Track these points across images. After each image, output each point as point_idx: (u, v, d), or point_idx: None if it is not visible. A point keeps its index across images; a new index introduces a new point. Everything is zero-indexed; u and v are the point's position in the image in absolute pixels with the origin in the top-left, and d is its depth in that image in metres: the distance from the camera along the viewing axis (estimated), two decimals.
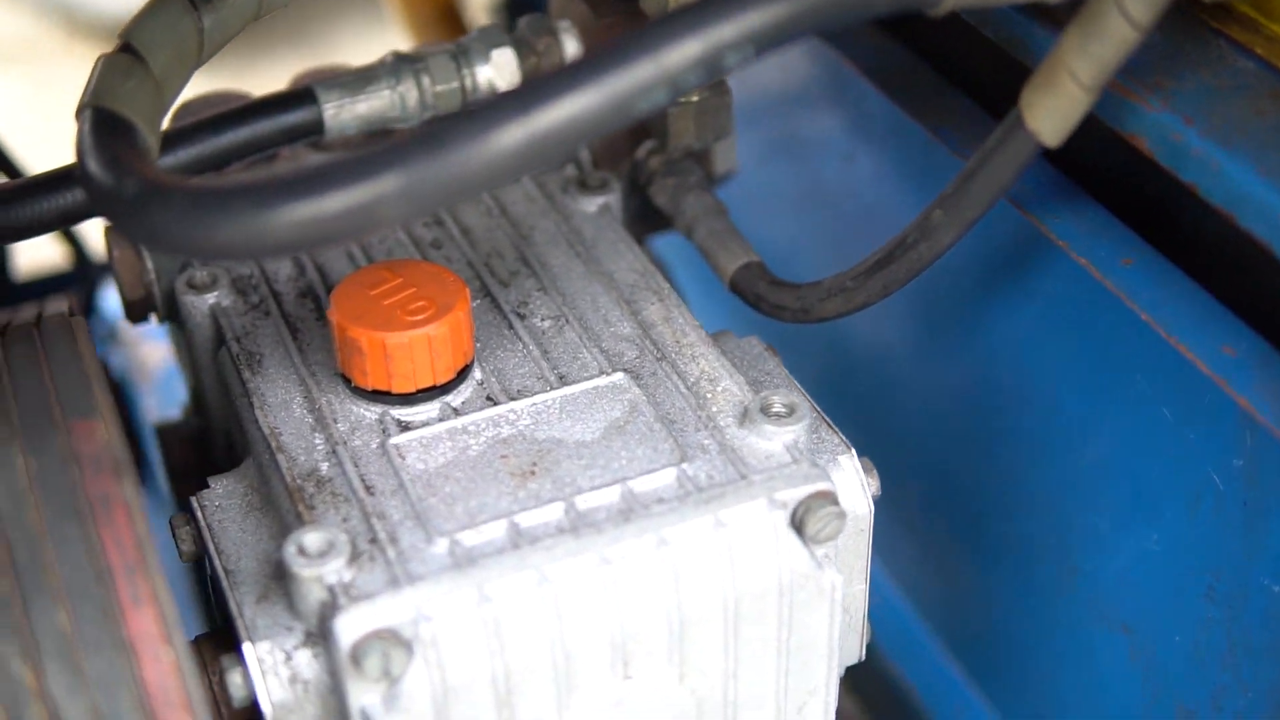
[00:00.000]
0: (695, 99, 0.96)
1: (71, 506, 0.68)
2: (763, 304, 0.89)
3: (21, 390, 0.73)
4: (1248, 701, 0.83)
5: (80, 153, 0.70)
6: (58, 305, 0.84)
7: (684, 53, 0.64)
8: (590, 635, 0.74)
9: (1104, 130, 0.80)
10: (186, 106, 0.96)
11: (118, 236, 0.93)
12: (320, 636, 0.73)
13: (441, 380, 0.81)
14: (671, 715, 0.78)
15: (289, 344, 0.86)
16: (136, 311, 0.95)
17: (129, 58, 0.74)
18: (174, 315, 0.94)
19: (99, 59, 0.75)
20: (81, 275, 1.34)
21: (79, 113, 0.72)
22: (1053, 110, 0.73)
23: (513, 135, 0.63)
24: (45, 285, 1.34)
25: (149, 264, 0.92)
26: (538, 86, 0.64)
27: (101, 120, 0.71)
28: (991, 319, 0.94)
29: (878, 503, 0.81)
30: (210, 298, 0.89)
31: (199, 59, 0.79)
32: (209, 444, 0.98)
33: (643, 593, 0.74)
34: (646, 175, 0.99)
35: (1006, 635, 1.02)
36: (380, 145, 0.63)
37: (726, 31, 0.64)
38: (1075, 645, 0.95)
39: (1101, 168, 0.87)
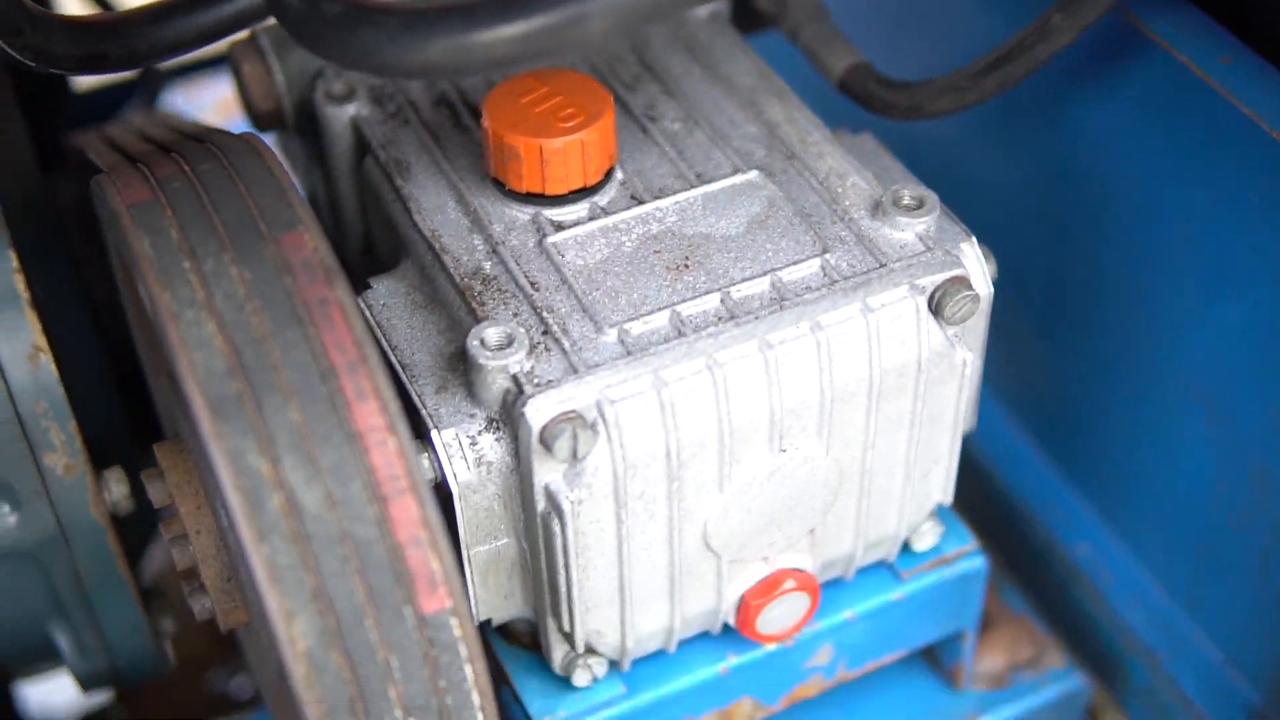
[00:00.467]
0: None
1: (291, 311, 0.73)
2: (873, 102, 0.94)
3: (222, 207, 0.76)
4: None
5: None
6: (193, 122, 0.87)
7: None
8: (752, 413, 0.80)
9: None
10: None
11: (247, 50, 0.96)
12: (503, 422, 0.79)
13: (591, 182, 0.86)
14: (817, 482, 0.85)
15: (434, 151, 0.90)
16: (265, 122, 0.98)
17: None
18: (303, 125, 0.98)
19: None
20: (145, 83, 1.36)
21: None
22: None
23: None
24: (108, 95, 1.35)
25: (278, 77, 0.96)
26: None
27: None
28: (1075, 109, 0.98)
29: None
30: (350, 108, 0.93)
31: None
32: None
33: (798, 373, 0.81)
34: None
35: (1079, 406, 1.09)
36: None
37: None
38: (1150, 415, 1.02)
39: None
